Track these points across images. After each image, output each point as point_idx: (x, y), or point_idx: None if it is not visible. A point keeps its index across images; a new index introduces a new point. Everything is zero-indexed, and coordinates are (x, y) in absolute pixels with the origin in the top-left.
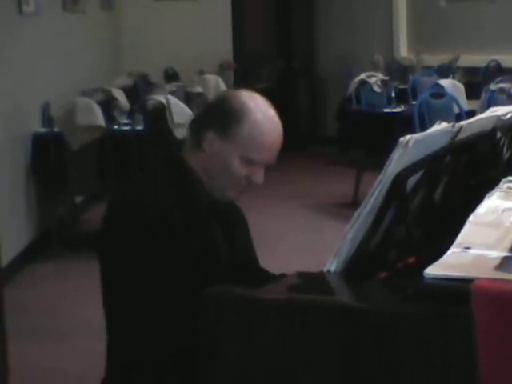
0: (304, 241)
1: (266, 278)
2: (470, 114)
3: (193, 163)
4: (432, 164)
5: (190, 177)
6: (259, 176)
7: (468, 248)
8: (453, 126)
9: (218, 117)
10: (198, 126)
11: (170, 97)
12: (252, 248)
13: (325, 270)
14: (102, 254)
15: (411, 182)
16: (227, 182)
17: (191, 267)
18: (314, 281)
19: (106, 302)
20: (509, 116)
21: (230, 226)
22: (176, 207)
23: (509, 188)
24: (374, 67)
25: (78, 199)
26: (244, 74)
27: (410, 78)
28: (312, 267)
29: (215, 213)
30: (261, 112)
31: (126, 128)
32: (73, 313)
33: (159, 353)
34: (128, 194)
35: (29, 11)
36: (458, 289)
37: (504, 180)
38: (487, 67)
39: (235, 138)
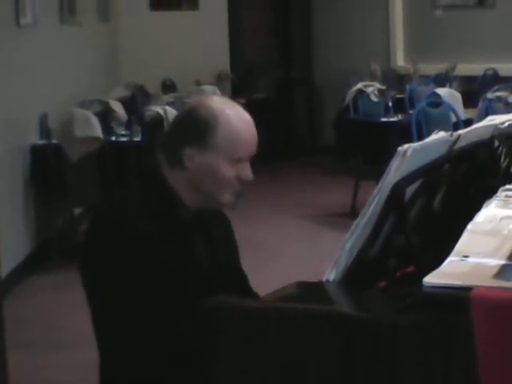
0: (302, 251)
1: (248, 292)
2: (468, 122)
3: (173, 182)
4: (430, 173)
5: (168, 193)
6: (248, 172)
7: (466, 256)
8: (451, 135)
9: (191, 131)
10: (171, 145)
11: (167, 108)
12: (237, 260)
13: (324, 279)
14: (89, 267)
15: (410, 190)
16: (220, 189)
17: (182, 277)
18: (312, 290)
19: (97, 316)
20: (506, 124)
21: (216, 242)
22: (155, 223)
23: (507, 196)
24: (372, 77)
25: (77, 210)
26: (241, 85)
27: (407, 87)
28: (310, 277)
29: (198, 227)
30: (229, 111)
31: (124, 139)
32: (72, 324)
33: (153, 363)
34: (113, 207)
35: (26, 23)
36: (457, 297)
37: (502, 188)
38: (484, 76)
39: (215, 145)
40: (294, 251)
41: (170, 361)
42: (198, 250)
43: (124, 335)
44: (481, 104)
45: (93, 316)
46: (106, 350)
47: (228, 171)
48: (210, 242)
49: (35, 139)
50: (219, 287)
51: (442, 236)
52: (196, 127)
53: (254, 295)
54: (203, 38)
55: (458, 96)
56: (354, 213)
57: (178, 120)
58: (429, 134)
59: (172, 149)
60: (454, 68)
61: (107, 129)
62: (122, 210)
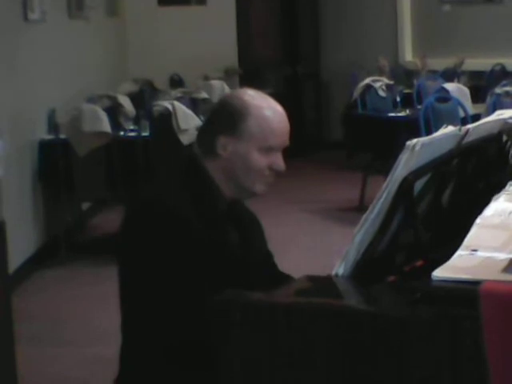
0: (311, 245)
1: (282, 279)
2: (476, 117)
3: (210, 170)
4: (439, 167)
5: (207, 182)
6: (280, 161)
7: (475, 250)
8: (459, 130)
9: (224, 120)
10: (206, 135)
11: (175, 102)
12: (270, 252)
13: (332, 273)
14: (126, 253)
15: (418, 185)
16: (253, 178)
17: (218, 265)
18: (322, 284)
19: (125, 300)
20: None
21: (247, 228)
22: (196, 210)
23: None
24: (379, 72)
25: (85, 205)
26: (249, 80)
27: (415, 82)
28: (319, 271)
29: (233, 216)
30: (260, 102)
31: (132, 134)
32: (80, 319)
33: (172, 350)
34: (155, 193)
35: (34, 18)
36: (466, 291)
37: (510, 182)
38: (492, 71)
39: (246, 134)
40: (303, 246)
41: (188, 350)
42: (232, 239)
43: (146, 320)
44: (489, 99)
45: (122, 301)
46: (128, 332)
47: (259, 160)
48: (242, 230)
49: (43, 134)
50: (252, 274)
51: (451, 230)
52: (228, 116)
53: (286, 277)
54: (211, 33)
55: (466, 91)
56: (362, 208)
57: (212, 111)
58: (437, 130)
59: (206, 138)
60: (462, 63)
61: (115, 124)
62: (163, 195)
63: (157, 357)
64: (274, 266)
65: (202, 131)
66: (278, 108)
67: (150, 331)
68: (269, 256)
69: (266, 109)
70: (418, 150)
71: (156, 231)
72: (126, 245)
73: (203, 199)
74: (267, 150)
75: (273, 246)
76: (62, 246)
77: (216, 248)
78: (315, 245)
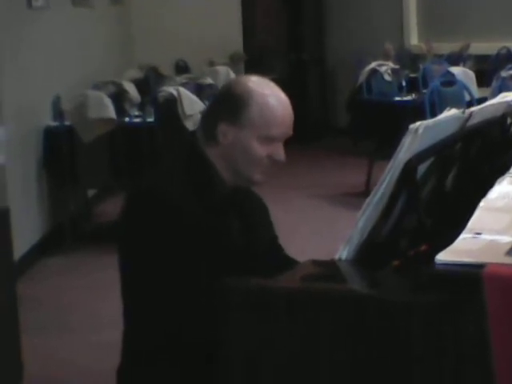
0: (317, 231)
1: (288, 264)
2: (481, 101)
3: (210, 156)
4: (442, 150)
5: (206, 167)
6: (280, 152)
7: (479, 233)
8: (463, 112)
9: (226, 107)
10: (208, 121)
11: (180, 88)
12: (275, 235)
13: (336, 257)
14: (125, 242)
15: (422, 168)
16: (251, 167)
17: (220, 252)
18: (326, 269)
19: (125, 288)
20: None
21: (251, 215)
22: (196, 196)
23: None
24: (385, 56)
25: (90, 192)
26: (254, 66)
27: (421, 66)
28: (325, 256)
29: (235, 202)
30: (264, 90)
31: (137, 120)
32: (85, 306)
33: (172, 338)
34: (156, 180)
35: (38, 5)
36: (470, 274)
37: None
38: (498, 54)
39: (248, 122)
40: (309, 232)
41: (188, 338)
42: (234, 225)
43: (146, 307)
44: (494, 83)
45: (123, 289)
46: (129, 320)
47: (259, 149)
48: (245, 217)
49: (48, 121)
50: (255, 261)
51: (455, 214)
52: (231, 103)
53: (292, 262)
54: (216, 19)
55: (472, 75)
56: (368, 193)
57: (215, 96)
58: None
59: (209, 124)
60: (467, 47)
61: (120, 110)
62: (159, 182)
63: (157, 345)
64: (280, 249)
65: (204, 116)
66: (282, 97)
67: (148, 318)
68: (275, 240)
69: (270, 97)
70: (421, 133)
71: (149, 218)
72: (123, 232)
73: (203, 185)
74: (268, 139)
75: (279, 232)
76: (67, 233)
77: (215, 234)
78: (321, 231)
